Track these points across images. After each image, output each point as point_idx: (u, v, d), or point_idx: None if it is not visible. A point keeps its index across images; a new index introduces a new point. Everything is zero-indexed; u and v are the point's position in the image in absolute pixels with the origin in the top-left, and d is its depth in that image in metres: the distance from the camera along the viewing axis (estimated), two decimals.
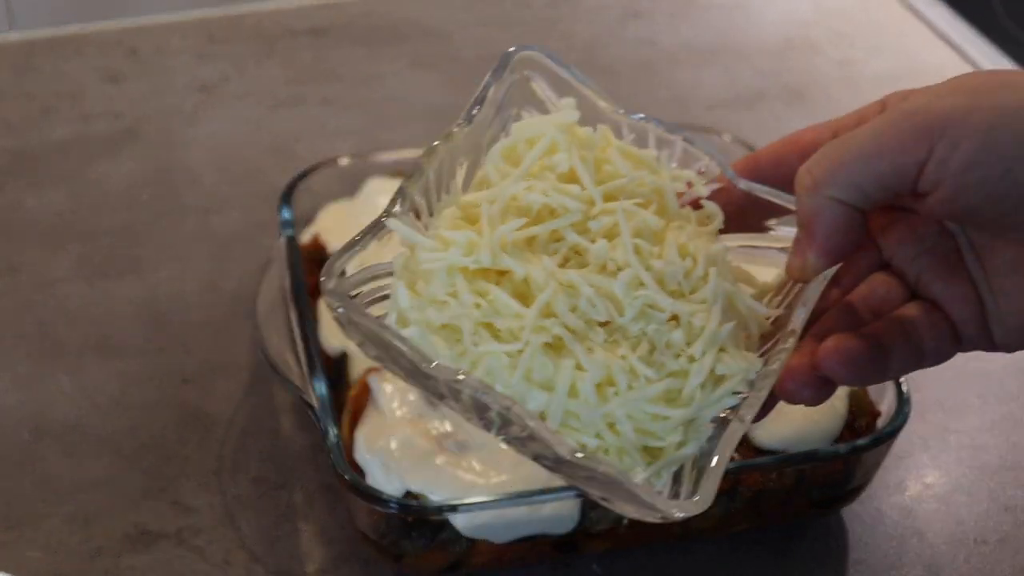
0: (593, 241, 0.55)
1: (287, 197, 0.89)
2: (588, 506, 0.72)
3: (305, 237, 0.89)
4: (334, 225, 0.89)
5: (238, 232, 1.02)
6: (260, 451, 0.83)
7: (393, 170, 0.93)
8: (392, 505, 0.70)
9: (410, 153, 0.95)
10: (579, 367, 0.52)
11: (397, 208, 0.55)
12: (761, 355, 0.56)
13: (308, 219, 0.90)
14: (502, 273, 0.54)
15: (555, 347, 0.53)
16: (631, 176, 0.57)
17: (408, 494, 0.71)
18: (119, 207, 1.04)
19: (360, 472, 0.73)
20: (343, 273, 0.54)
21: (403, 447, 0.72)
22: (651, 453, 0.54)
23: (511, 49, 0.60)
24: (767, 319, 0.57)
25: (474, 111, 0.59)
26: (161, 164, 1.09)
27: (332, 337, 0.80)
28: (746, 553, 0.77)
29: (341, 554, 0.77)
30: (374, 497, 0.70)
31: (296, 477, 0.82)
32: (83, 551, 0.77)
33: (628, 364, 0.53)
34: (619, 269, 0.54)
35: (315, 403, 0.74)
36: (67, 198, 1.05)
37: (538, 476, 0.72)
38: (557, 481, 0.71)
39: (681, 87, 1.21)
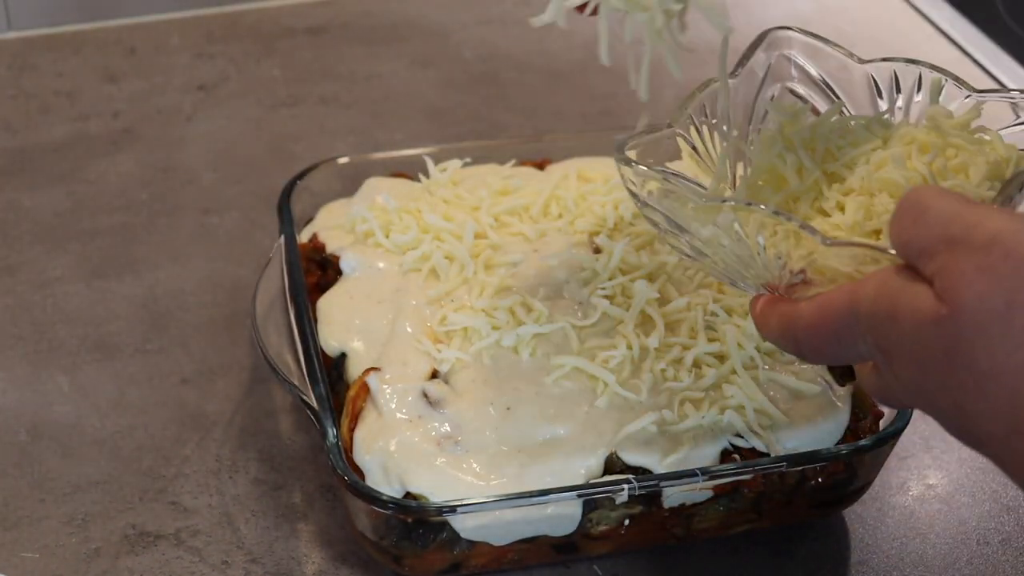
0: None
1: (286, 197, 0.88)
2: (589, 507, 0.71)
3: (304, 237, 0.88)
4: (333, 224, 0.88)
5: (237, 232, 1.01)
6: (259, 452, 0.83)
7: (392, 170, 0.93)
8: (391, 506, 0.69)
9: (410, 153, 0.94)
10: None
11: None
12: None
13: (307, 219, 0.90)
14: None
15: None
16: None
17: (407, 495, 0.71)
18: (117, 207, 1.04)
19: (359, 473, 0.72)
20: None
21: (402, 448, 0.72)
22: None
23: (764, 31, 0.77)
24: None
25: (736, 71, 0.77)
26: (159, 164, 1.09)
27: (331, 337, 0.80)
28: (747, 554, 0.77)
29: (340, 555, 0.77)
30: (373, 498, 0.70)
31: (295, 478, 0.81)
32: (81, 552, 0.77)
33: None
34: None
35: (314, 404, 0.74)
36: (65, 198, 1.05)
37: (538, 478, 0.71)
38: (557, 482, 0.71)
39: (682, 87, 1.20)
